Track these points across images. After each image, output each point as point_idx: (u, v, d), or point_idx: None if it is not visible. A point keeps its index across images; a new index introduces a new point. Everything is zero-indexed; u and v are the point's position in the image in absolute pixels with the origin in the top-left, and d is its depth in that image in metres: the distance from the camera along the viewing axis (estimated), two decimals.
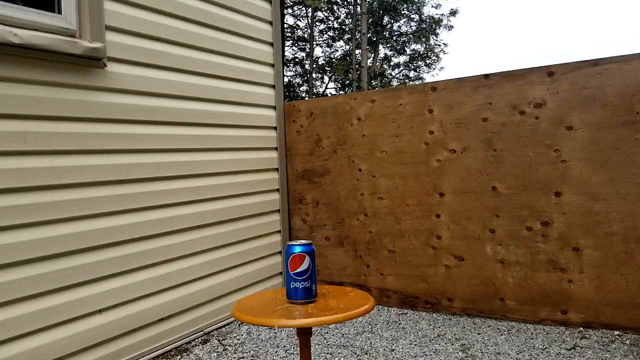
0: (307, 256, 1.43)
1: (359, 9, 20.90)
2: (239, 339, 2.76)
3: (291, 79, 23.25)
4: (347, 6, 22.51)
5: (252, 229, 3.24)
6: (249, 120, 3.24)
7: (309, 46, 23.13)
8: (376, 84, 22.91)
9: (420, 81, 22.81)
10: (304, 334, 1.46)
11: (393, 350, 2.52)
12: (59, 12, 2.13)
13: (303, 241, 1.46)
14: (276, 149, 3.52)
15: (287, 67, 22.67)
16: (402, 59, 23.66)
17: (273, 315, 1.35)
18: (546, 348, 2.45)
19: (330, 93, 23.93)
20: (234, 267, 3.09)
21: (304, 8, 22.18)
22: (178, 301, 2.67)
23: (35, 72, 2.01)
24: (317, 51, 23.71)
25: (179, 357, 2.53)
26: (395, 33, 23.00)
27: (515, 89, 2.80)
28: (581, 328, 2.67)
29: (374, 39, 22.54)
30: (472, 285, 2.97)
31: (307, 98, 22.40)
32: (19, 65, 1.96)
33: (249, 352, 2.57)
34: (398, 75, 23.78)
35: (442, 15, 25.23)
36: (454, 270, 3.02)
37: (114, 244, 2.34)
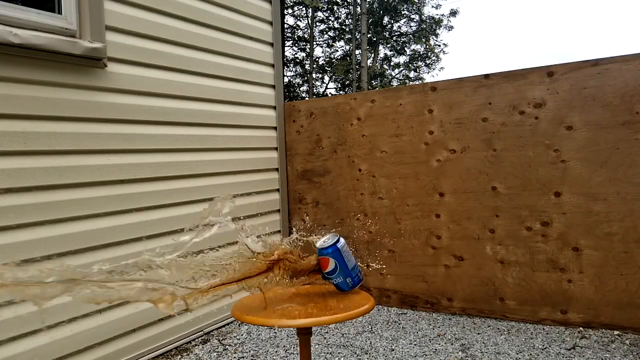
0: (330, 258, 1.41)
1: (359, 9, 20.89)
2: (239, 339, 2.76)
3: (291, 79, 23.24)
4: (347, 6, 22.50)
5: (252, 229, 3.24)
6: (249, 120, 3.24)
7: (309, 46, 23.12)
8: (376, 84, 22.90)
9: (420, 81, 22.79)
10: (304, 333, 1.46)
11: (393, 350, 2.52)
12: (59, 12, 2.13)
13: (327, 242, 1.43)
14: (276, 149, 3.52)
15: (287, 67, 22.66)
16: (402, 59, 23.65)
17: (273, 315, 1.35)
18: (546, 348, 2.45)
19: (330, 93, 23.91)
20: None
21: (304, 8, 22.16)
22: None
23: (35, 72, 2.01)
24: (317, 51, 23.71)
25: (179, 357, 2.53)
26: (395, 33, 22.98)
27: (515, 89, 2.80)
28: (581, 328, 2.67)
29: (374, 39, 22.53)
30: (472, 285, 2.97)
31: (307, 98, 22.38)
32: (19, 65, 1.96)
33: (249, 352, 2.57)
34: (398, 75, 23.76)
35: (442, 15, 25.22)
36: (454, 270, 3.02)
37: (114, 244, 2.34)
